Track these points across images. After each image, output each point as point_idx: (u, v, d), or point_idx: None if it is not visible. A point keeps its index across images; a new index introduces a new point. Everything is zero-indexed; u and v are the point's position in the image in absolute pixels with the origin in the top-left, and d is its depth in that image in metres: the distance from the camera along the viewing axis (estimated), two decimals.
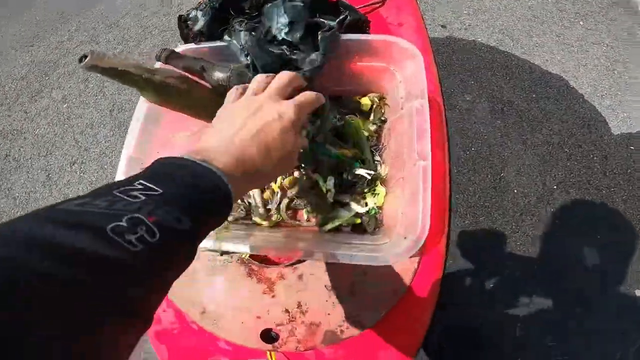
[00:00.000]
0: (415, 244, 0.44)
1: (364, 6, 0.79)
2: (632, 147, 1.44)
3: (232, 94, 0.43)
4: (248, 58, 0.52)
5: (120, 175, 0.54)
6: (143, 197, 0.24)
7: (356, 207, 0.61)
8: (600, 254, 1.28)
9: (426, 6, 1.86)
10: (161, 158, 0.31)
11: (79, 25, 2.25)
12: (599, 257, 1.27)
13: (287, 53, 0.53)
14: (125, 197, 0.24)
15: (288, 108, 0.38)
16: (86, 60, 0.39)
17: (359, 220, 0.61)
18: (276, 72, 0.46)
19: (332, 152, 0.60)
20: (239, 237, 0.58)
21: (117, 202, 0.23)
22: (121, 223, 0.22)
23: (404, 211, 0.51)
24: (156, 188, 0.26)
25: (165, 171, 0.29)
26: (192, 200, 0.27)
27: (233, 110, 0.39)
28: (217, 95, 0.55)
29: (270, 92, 0.40)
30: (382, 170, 0.62)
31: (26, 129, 1.95)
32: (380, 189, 0.61)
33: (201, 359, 0.62)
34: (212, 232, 0.48)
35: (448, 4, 1.88)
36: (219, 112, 0.41)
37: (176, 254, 0.26)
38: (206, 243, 0.48)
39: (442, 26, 1.80)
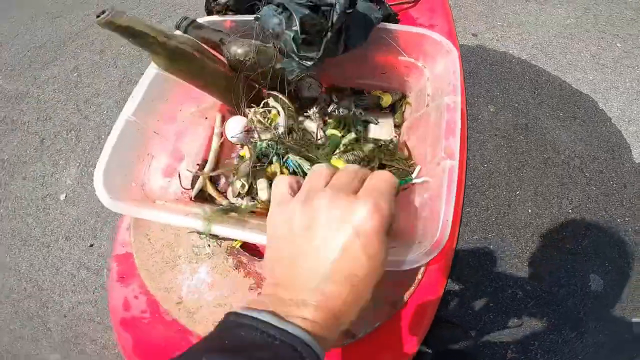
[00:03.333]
0: (434, 248, 0.40)
1: (395, 4, 0.82)
2: None
3: (280, 188, 0.33)
4: (282, 16, 0.50)
5: (113, 138, 0.51)
6: None
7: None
8: (605, 281, 1.31)
9: (458, 14, 1.90)
10: (231, 315, 0.26)
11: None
12: (603, 284, 1.31)
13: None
14: None
15: (366, 214, 0.27)
16: (103, 16, 0.40)
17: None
18: (314, 24, 0.45)
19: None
20: (235, 223, 0.53)
21: None
22: None
23: (420, 215, 0.47)
24: None
25: (237, 345, 0.24)
26: None
27: (295, 227, 0.29)
28: (231, 70, 0.57)
29: (335, 191, 0.29)
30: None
31: (31, 93, 2.02)
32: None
33: (170, 353, 0.58)
34: (202, 213, 0.48)
35: (481, 15, 1.91)
36: (273, 221, 0.32)
37: None
38: (194, 223, 0.46)
39: (473, 35, 1.84)
